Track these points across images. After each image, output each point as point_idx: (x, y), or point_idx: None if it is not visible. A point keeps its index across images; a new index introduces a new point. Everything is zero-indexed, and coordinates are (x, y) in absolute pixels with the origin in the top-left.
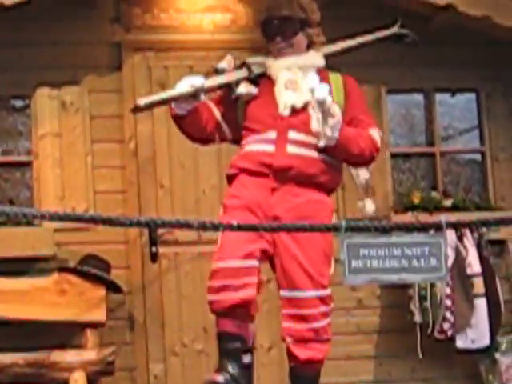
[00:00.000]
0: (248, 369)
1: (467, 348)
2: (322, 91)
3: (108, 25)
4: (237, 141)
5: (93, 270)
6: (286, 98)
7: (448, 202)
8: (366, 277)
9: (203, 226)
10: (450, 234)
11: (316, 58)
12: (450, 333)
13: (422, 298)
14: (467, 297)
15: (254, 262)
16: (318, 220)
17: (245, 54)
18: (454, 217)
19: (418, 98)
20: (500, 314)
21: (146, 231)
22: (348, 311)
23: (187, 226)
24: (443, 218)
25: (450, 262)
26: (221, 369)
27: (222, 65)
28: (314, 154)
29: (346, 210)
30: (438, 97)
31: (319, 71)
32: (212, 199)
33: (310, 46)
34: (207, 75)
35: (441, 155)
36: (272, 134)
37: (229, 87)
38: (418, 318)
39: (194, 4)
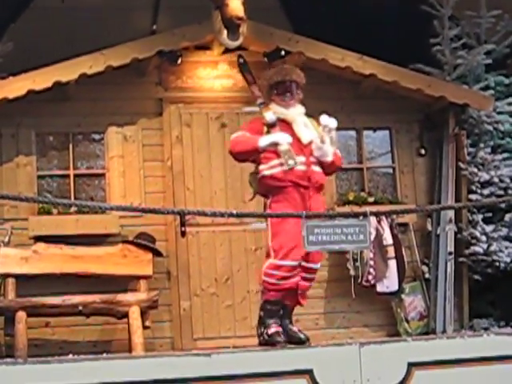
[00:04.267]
0: None
1: (383, 291)
2: (334, 122)
3: (153, 86)
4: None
5: (144, 242)
6: (307, 134)
7: (371, 199)
8: (318, 246)
9: (214, 214)
10: (373, 219)
11: (302, 107)
12: (372, 282)
13: (355, 260)
14: (383, 258)
15: (300, 261)
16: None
17: (240, 105)
18: (375, 208)
19: (352, 133)
20: (404, 269)
21: (178, 217)
22: None
23: (204, 214)
24: (368, 209)
25: (373, 237)
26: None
27: (272, 118)
28: (319, 168)
29: None
30: (365, 133)
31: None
32: (220, 197)
33: None
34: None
35: (367, 169)
36: (300, 158)
37: None
38: (352, 272)
39: (209, 73)
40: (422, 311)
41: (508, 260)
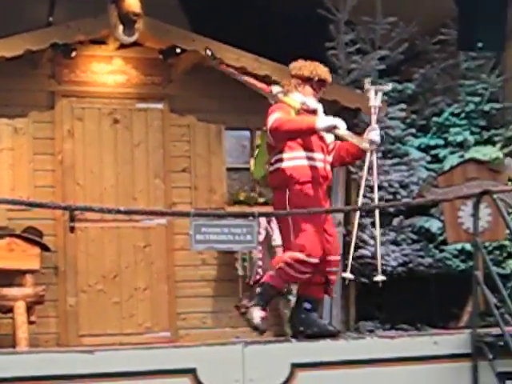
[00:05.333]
0: None
1: None
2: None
3: (46, 79)
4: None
5: (31, 236)
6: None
7: (262, 200)
8: (205, 245)
9: (101, 210)
10: (263, 220)
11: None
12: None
13: (243, 260)
14: (272, 259)
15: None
16: None
17: (134, 101)
18: (266, 209)
19: (246, 133)
20: None
21: (67, 212)
22: (196, 267)
23: (91, 210)
24: (256, 210)
25: (262, 237)
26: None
27: (314, 105)
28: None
29: (197, 203)
30: (259, 133)
31: None
32: (110, 193)
33: None
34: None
35: None
36: (320, 155)
37: None
38: (240, 272)
39: (103, 68)
40: None
41: (395, 264)
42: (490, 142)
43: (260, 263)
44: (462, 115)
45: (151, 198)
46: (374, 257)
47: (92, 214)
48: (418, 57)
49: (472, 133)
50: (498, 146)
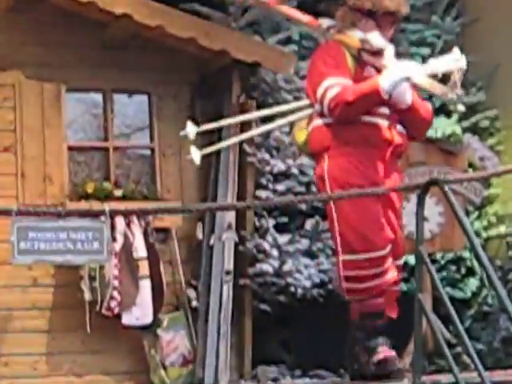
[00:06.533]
0: None
1: (132, 324)
2: None
3: None
4: None
5: None
6: None
7: (119, 192)
8: (33, 257)
9: None
10: (120, 221)
11: None
12: (116, 310)
13: (92, 278)
14: (133, 278)
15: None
16: None
17: None
18: (123, 206)
19: (97, 96)
20: (163, 294)
21: None
22: (24, 288)
23: None
24: (106, 206)
25: (119, 246)
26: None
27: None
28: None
29: (25, 196)
30: (116, 97)
31: None
32: None
33: None
34: None
35: (114, 150)
36: (383, 109)
37: None
38: (87, 296)
39: None
40: (185, 353)
41: (308, 284)
42: (443, 111)
43: (116, 283)
44: None
45: None
46: (278, 274)
47: None
48: None
49: None
50: (455, 117)
